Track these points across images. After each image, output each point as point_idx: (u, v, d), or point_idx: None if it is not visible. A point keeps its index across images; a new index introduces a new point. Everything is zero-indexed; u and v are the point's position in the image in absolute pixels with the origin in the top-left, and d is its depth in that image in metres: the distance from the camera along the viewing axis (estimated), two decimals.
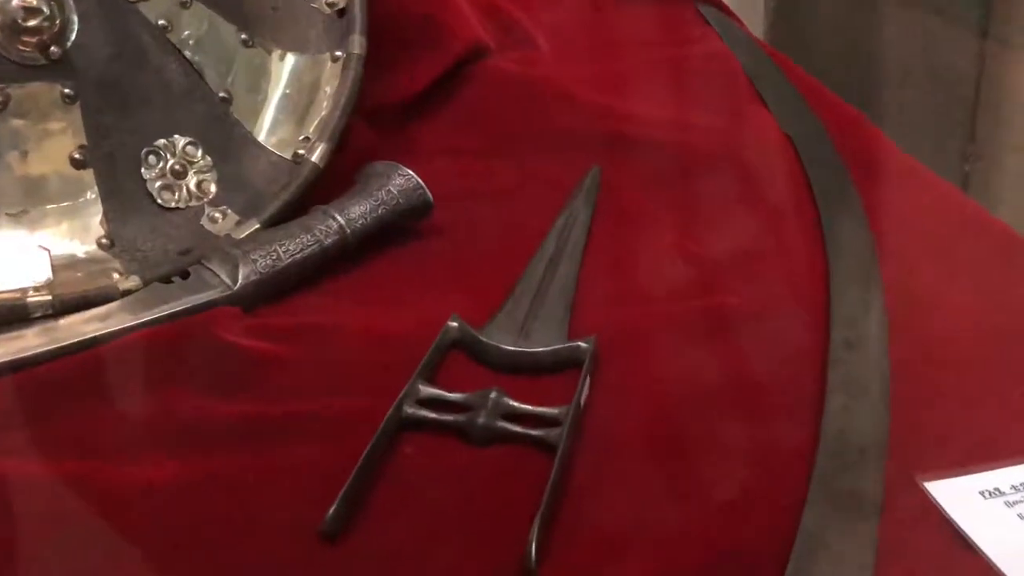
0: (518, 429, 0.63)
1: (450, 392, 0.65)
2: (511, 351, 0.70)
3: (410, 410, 0.64)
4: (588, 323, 0.74)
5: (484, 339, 0.71)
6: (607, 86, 1.06)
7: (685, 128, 1.01)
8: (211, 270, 0.73)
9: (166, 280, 0.73)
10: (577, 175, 0.93)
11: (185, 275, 0.73)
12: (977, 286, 0.80)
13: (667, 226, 0.86)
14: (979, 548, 0.56)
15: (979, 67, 1.72)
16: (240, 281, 0.72)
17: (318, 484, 0.58)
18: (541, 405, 0.65)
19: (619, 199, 0.90)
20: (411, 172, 0.83)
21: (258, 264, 0.73)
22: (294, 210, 0.81)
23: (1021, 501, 0.59)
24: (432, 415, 0.64)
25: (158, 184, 0.79)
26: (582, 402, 0.65)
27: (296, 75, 0.89)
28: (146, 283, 0.73)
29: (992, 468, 0.61)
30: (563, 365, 0.70)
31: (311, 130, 0.85)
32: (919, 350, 0.73)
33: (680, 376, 0.71)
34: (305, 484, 0.60)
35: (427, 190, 0.83)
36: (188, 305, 0.71)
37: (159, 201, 0.79)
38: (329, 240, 0.77)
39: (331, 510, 0.56)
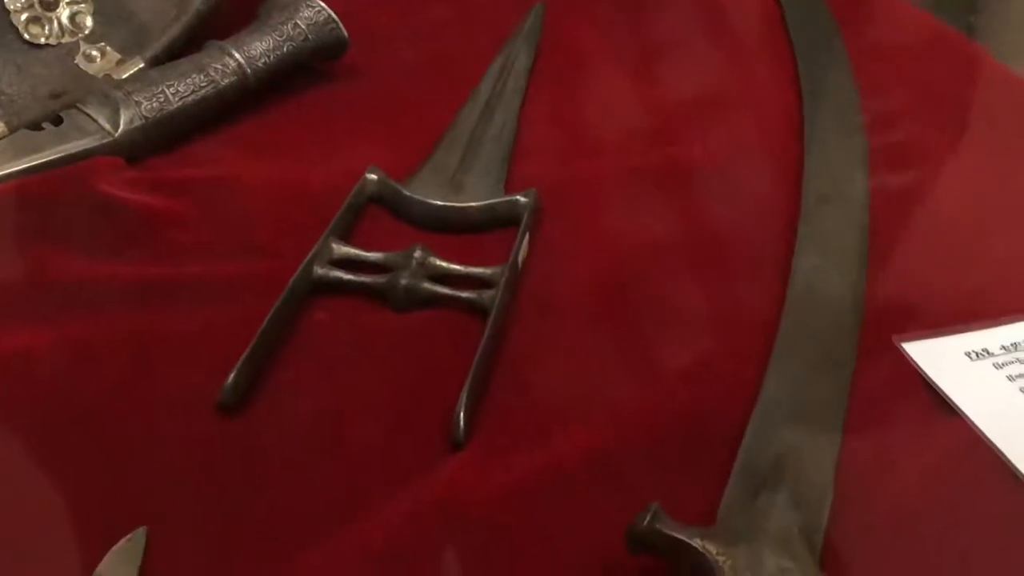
0: (446, 291, 0.64)
1: (368, 251, 0.66)
2: (439, 206, 0.70)
3: (321, 271, 0.64)
4: (528, 176, 0.74)
5: (408, 193, 0.71)
6: None
7: None
8: (88, 115, 0.72)
9: (35, 127, 0.72)
10: (518, 12, 0.93)
11: (57, 121, 0.72)
12: (969, 137, 0.82)
13: (619, 68, 0.87)
14: (961, 411, 0.58)
15: None
16: (122, 127, 0.72)
17: (217, 353, 0.58)
18: (473, 265, 0.65)
19: (565, 38, 0.91)
20: (322, 4, 0.82)
21: (142, 107, 0.73)
22: (185, 47, 0.80)
23: (1012, 362, 0.61)
24: (347, 276, 0.64)
25: (24, 17, 0.78)
26: (520, 262, 0.66)
27: None
28: (12, 130, 0.72)
29: (979, 328, 0.63)
30: (499, 222, 0.70)
31: None
32: (902, 205, 0.74)
33: (631, 234, 0.72)
34: (203, 352, 0.60)
35: (341, 25, 0.82)
36: (62, 154, 0.70)
37: (26, 36, 0.78)
38: (226, 81, 0.77)
39: (229, 379, 0.56)
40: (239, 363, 0.57)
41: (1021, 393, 0.59)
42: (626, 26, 0.92)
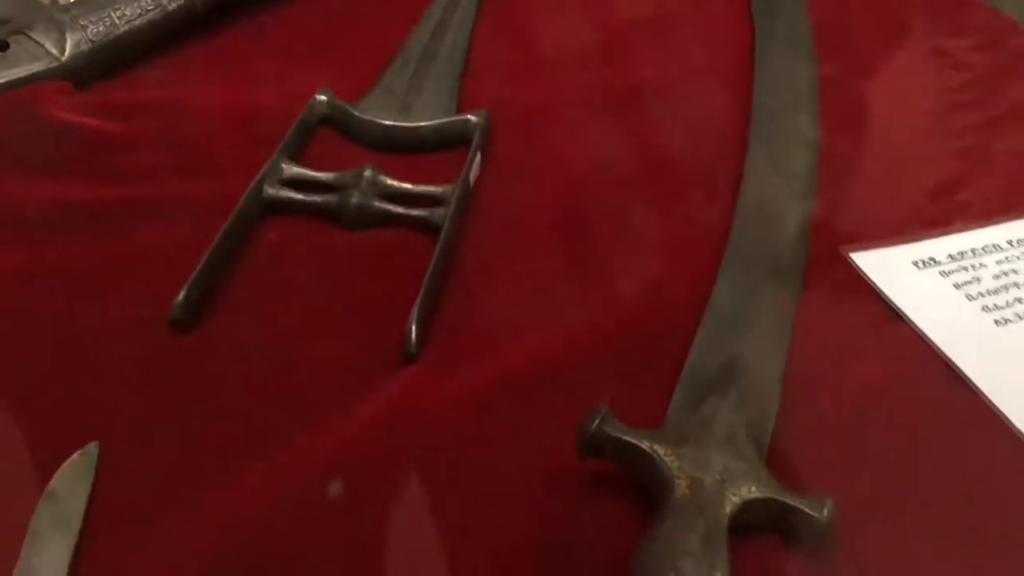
0: (398, 209, 0.63)
1: (319, 171, 0.65)
2: (389, 126, 0.70)
3: (272, 191, 0.64)
4: (480, 96, 0.74)
5: (358, 114, 0.70)
6: None
7: None
8: (34, 40, 0.71)
9: None
10: None
11: (4, 46, 0.71)
12: (919, 48, 0.82)
13: None
14: (908, 317, 0.58)
15: None
16: (69, 51, 0.71)
17: (169, 272, 0.58)
18: (424, 184, 0.65)
19: None
20: None
21: (89, 31, 0.72)
22: None
23: (957, 270, 0.61)
24: (298, 196, 0.64)
25: None
26: (471, 180, 0.66)
27: None
28: None
29: (926, 238, 0.63)
30: (450, 142, 0.70)
31: None
32: (852, 118, 0.74)
33: (583, 153, 0.72)
34: (154, 272, 0.60)
35: None
36: (8, 79, 0.69)
37: None
38: (173, 5, 0.76)
39: (180, 296, 0.56)
40: (190, 280, 0.57)
41: (966, 300, 0.59)
42: None
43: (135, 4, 0.74)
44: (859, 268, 0.61)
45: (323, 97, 0.71)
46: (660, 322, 0.59)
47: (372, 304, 0.59)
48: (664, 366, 0.55)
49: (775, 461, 0.49)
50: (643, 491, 0.48)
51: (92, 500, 0.48)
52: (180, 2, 0.76)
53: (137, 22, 0.74)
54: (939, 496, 0.50)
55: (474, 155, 0.67)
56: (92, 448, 0.50)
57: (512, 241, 0.64)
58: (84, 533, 0.46)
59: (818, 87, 0.77)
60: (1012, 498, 0.50)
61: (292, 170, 0.65)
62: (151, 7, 0.74)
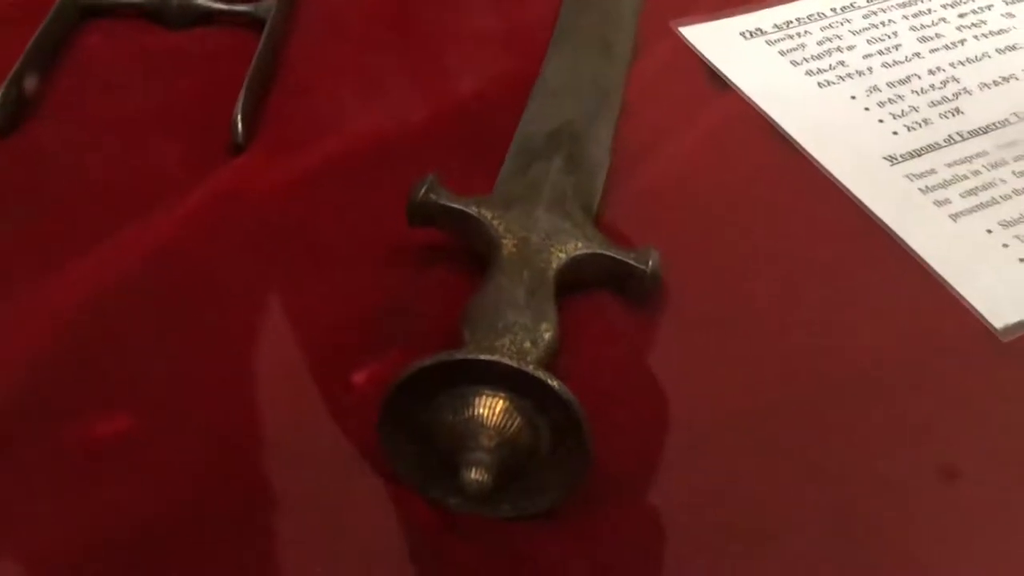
0: (221, 5, 0.60)
1: None
2: None
3: None
4: None
5: None
6: None
7: None
8: None
9: None
10: None
11: None
12: None
13: None
14: (735, 85, 0.57)
15: None
16: None
17: None
18: None
19: None
20: None
21: None
22: None
23: (783, 39, 0.60)
24: None
25: None
26: None
27: None
28: None
29: (753, 10, 0.62)
30: None
31: None
32: None
33: None
34: None
35: None
36: None
37: None
38: None
39: None
40: (4, 83, 0.53)
41: (791, 66, 0.58)
42: None
43: None
44: (688, 41, 0.60)
45: None
46: (492, 104, 0.57)
47: (198, 102, 0.56)
48: (496, 141, 0.53)
49: (604, 222, 0.48)
50: (476, 257, 0.46)
51: None
52: None
53: None
54: (764, 247, 0.49)
55: None
56: None
57: (342, 35, 0.62)
58: None
59: None
60: (832, 244, 0.50)
61: None
62: None
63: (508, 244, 0.44)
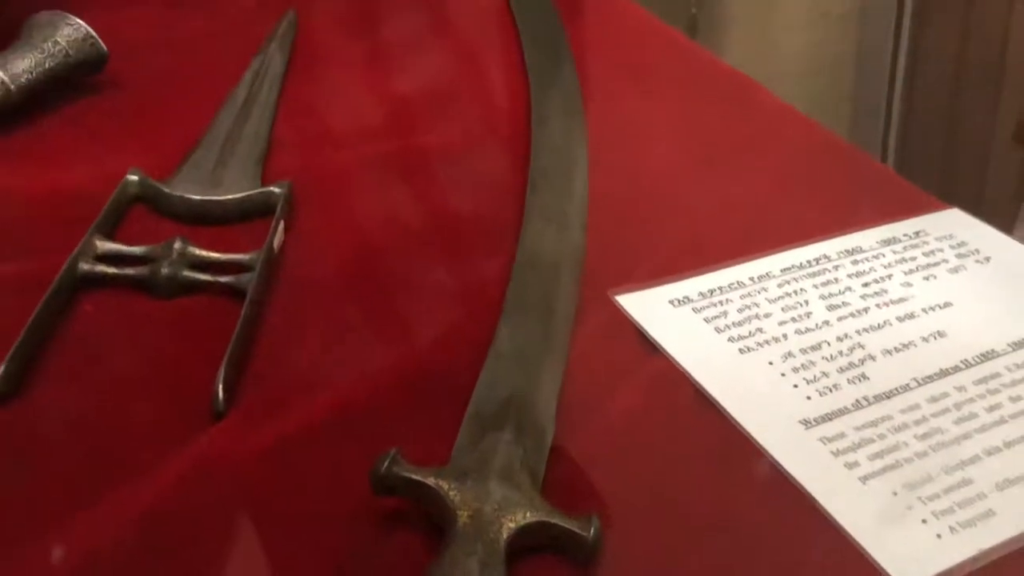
0: (206, 277, 0.63)
1: (131, 246, 0.65)
2: (198, 200, 0.70)
3: (87, 267, 0.63)
4: (283, 169, 0.75)
5: (168, 191, 0.70)
6: None
7: None
8: None
9: None
10: (272, 21, 0.93)
11: None
12: (675, 113, 0.86)
13: (365, 69, 0.88)
14: (666, 352, 0.61)
15: None
16: None
17: None
18: (231, 253, 0.65)
19: (316, 43, 0.91)
20: (81, 22, 0.81)
21: None
22: None
23: (707, 307, 0.64)
24: (112, 270, 0.63)
25: None
26: (276, 246, 0.66)
27: None
28: None
29: (681, 279, 0.66)
30: (256, 212, 0.70)
31: None
32: (619, 178, 0.77)
33: (378, 217, 0.73)
34: None
35: (100, 40, 0.81)
36: None
37: None
38: None
39: (0, 369, 0.55)
40: (9, 353, 0.56)
41: (715, 332, 0.62)
42: (369, 28, 0.93)
43: None
44: (623, 309, 0.64)
45: (134, 176, 0.70)
46: (449, 365, 0.60)
47: (182, 367, 0.59)
48: (454, 405, 0.56)
49: (550, 487, 0.51)
50: (435, 524, 0.49)
51: None
52: None
53: None
54: (692, 507, 0.52)
55: (277, 223, 0.68)
56: None
57: (315, 301, 0.65)
58: None
59: (587, 145, 0.79)
60: (752, 503, 0.53)
61: (106, 246, 0.65)
62: None
63: (463, 515, 0.47)
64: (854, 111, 1.98)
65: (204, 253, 0.65)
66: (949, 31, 1.83)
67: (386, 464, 0.49)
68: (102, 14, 0.86)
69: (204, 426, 0.55)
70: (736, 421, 0.56)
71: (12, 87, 0.76)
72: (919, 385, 0.58)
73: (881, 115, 1.94)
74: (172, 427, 0.55)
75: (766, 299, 0.65)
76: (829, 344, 0.61)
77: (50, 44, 0.79)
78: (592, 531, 0.48)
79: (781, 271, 0.67)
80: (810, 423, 0.56)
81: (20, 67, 0.77)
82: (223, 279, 0.63)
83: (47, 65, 0.79)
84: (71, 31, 0.80)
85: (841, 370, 0.59)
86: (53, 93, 0.80)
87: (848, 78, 1.97)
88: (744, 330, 0.62)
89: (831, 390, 0.58)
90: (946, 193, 0.76)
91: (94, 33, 0.81)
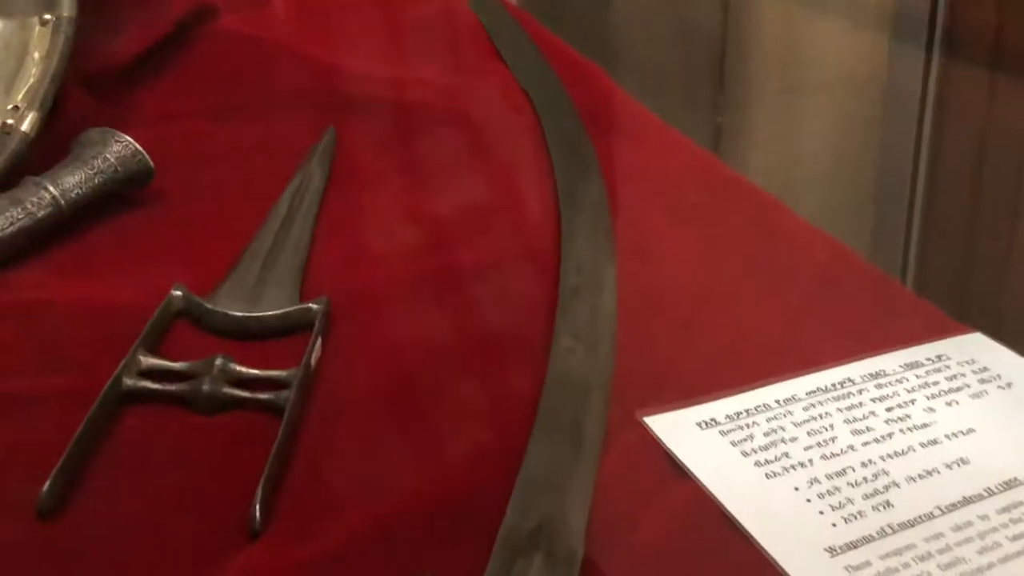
0: (245, 394, 0.64)
1: (174, 362, 0.66)
2: (239, 317, 0.71)
3: (130, 382, 0.64)
4: (321, 286, 0.76)
5: (211, 307, 0.72)
6: (340, 45, 1.08)
7: (421, 86, 1.04)
8: None
9: None
10: (312, 137, 0.95)
11: None
12: (701, 232, 0.87)
13: (401, 186, 0.89)
14: (694, 475, 0.61)
15: (724, 24, 1.83)
16: None
17: (35, 463, 0.58)
18: (270, 369, 0.66)
19: (354, 160, 0.93)
20: (129, 138, 0.83)
21: None
22: (5, 183, 0.79)
23: (734, 429, 0.64)
24: (155, 386, 0.64)
25: None
26: (312, 363, 0.67)
27: (2, 41, 0.87)
28: None
29: (708, 401, 0.67)
30: (294, 329, 0.71)
31: (20, 98, 0.84)
32: (645, 295, 0.78)
33: (413, 335, 0.74)
34: (21, 464, 0.60)
35: (147, 156, 0.83)
36: None
37: None
38: (42, 212, 0.76)
39: (45, 485, 0.56)
40: (55, 470, 0.57)
41: (741, 456, 0.62)
42: (407, 148, 0.94)
43: (6, 215, 0.74)
44: (651, 430, 0.64)
45: (179, 292, 0.72)
46: (481, 483, 0.60)
47: (222, 483, 0.60)
48: (485, 524, 0.56)
49: None
50: None
51: None
52: (49, 210, 0.77)
53: (8, 230, 0.74)
54: None
55: (315, 340, 0.68)
56: None
57: (350, 417, 0.66)
58: None
59: (615, 263, 0.80)
60: None
61: (149, 361, 0.66)
62: (21, 216, 0.75)
63: None
64: (879, 213, 1.99)
65: (244, 369, 0.66)
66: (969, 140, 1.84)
67: None
68: (149, 127, 0.88)
69: (241, 544, 0.55)
70: (763, 548, 0.56)
71: (63, 202, 0.78)
72: (943, 513, 0.58)
73: (903, 216, 1.94)
74: (210, 544, 0.56)
75: (792, 423, 0.65)
76: (854, 470, 0.61)
77: (99, 160, 0.81)
78: None
79: (806, 394, 0.67)
80: (836, 551, 0.56)
81: (70, 182, 0.79)
82: (262, 396, 0.64)
83: (96, 181, 0.80)
84: (120, 147, 0.82)
85: (866, 497, 0.59)
86: (101, 207, 0.81)
87: (870, 180, 1.98)
88: (770, 454, 0.62)
89: (856, 517, 0.58)
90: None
91: (142, 150, 0.83)
